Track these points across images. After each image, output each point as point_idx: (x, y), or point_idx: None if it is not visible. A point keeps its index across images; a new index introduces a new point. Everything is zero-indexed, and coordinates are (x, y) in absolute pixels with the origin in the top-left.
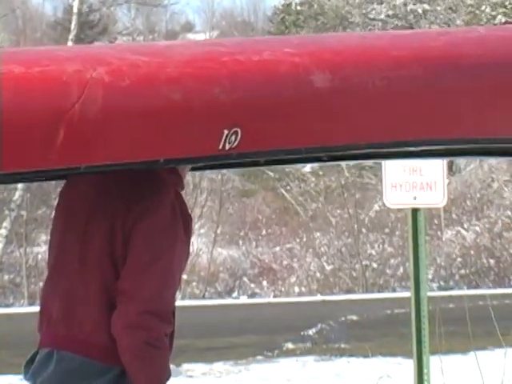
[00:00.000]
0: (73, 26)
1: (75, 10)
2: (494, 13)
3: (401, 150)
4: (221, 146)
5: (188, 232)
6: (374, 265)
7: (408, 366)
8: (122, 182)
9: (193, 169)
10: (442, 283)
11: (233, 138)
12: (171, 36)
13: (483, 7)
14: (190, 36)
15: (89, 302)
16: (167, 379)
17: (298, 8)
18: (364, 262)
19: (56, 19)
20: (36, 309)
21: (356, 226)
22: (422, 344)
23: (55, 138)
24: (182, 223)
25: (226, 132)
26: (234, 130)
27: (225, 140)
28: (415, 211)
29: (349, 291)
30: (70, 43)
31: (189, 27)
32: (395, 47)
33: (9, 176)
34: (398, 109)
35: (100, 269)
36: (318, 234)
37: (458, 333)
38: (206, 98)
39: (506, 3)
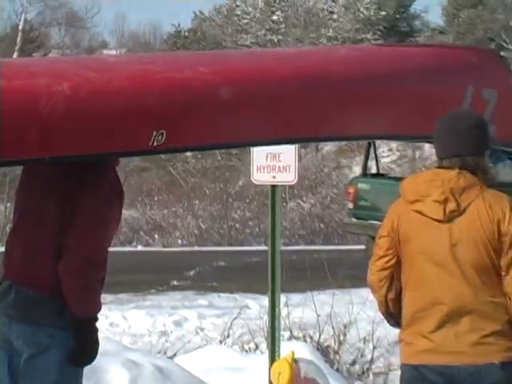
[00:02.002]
0: (18, 40)
1: (20, 27)
2: (329, 44)
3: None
4: (150, 144)
5: (121, 201)
6: (237, 225)
7: (262, 300)
8: None
9: None
10: (286, 241)
11: (160, 137)
12: (91, 51)
13: (321, 39)
14: (105, 51)
15: (42, 250)
16: (98, 311)
17: (186, 34)
18: (229, 223)
19: (5, 34)
20: None
21: (225, 196)
22: (275, 284)
23: (28, 136)
24: (117, 195)
25: (154, 133)
26: (161, 131)
27: (154, 139)
28: (274, 187)
29: (218, 244)
30: (15, 53)
31: (104, 45)
32: (280, 67)
33: None
34: (282, 113)
35: (53, 226)
36: (197, 201)
37: (298, 277)
38: (141, 107)
39: (339, 37)
